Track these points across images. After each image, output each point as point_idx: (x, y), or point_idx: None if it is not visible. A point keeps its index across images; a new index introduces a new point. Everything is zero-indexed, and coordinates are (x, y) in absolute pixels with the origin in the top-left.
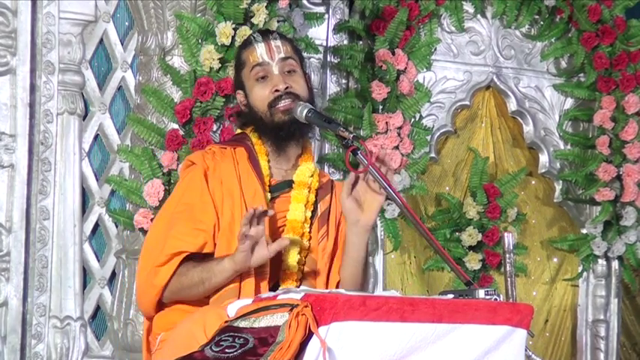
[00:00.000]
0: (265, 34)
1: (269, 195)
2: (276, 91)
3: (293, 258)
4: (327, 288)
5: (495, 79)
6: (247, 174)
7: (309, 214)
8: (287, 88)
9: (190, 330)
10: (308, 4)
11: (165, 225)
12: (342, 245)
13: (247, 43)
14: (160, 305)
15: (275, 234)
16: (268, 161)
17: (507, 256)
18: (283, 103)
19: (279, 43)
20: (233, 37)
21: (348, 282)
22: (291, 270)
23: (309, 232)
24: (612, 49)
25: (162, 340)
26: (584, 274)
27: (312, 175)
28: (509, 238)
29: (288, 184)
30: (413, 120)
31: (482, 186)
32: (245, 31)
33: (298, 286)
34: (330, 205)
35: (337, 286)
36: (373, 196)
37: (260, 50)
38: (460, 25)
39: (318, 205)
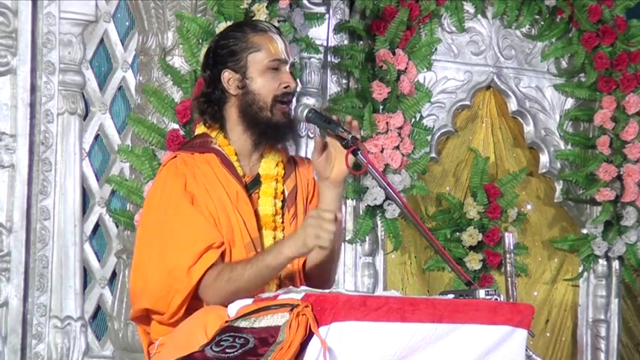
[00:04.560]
0: (278, 30)
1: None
2: (287, 87)
3: None
4: (304, 267)
5: (496, 79)
6: (225, 177)
7: (279, 204)
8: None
9: (191, 330)
10: (308, 4)
11: (163, 242)
12: None
13: (260, 29)
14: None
15: (253, 231)
16: (237, 160)
17: (508, 256)
18: (285, 107)
19: (287, 44)
20: None
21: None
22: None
23: (282, 221)
24: (613, 49)
25: (161, 344)
26: (585, 274)
27: (276, 165)
28: (509, 238)
29: (258, 179)
30: (413, 120)
31: (483, 186)
32: None
33: (279, 279)
34: (295, 182)
35: (304, 265)
36: (341, 159)
37: (280, 45)
38: (460, 25)
39: (285, 188)
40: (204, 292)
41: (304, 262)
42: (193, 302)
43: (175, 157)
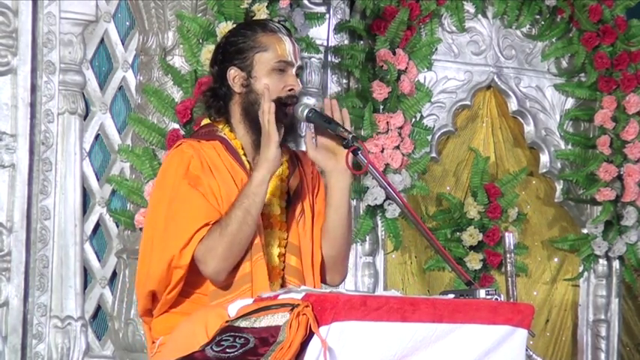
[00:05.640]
0: (289, 31)
1: None
2: (291, 89)
3: (273, 252)
4: (312, 267)
5: (496, 79)
6: (230, 164)
7: (283, 204)
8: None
9: (192, 330)
10: (309, 3)
11: (167, 219)
12: (321, 215)
13: (270, 29)
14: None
15: (257, 230)
16: (244, 154)
17: (508, 255)
18: (288, 109)
19: (297, 46)
20: None
21: (330, 236)
22: (273, 265)
23: (286, 221)
24: (613, 49)
25: (161, 344)
26: (585, 273)
27: (281, 164)
28: (509, 238)
29: None
30: (414, 120)
31: (483, 186)
32: None
33: (282, 279)
34: (300, 179)
35: (322, 266)
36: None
37: (289, 47)
38: (461, 25)
39: (290, 187)
40: (202, 262)
41: (322, 261)
42: (188, 290)
43: (181, 144)
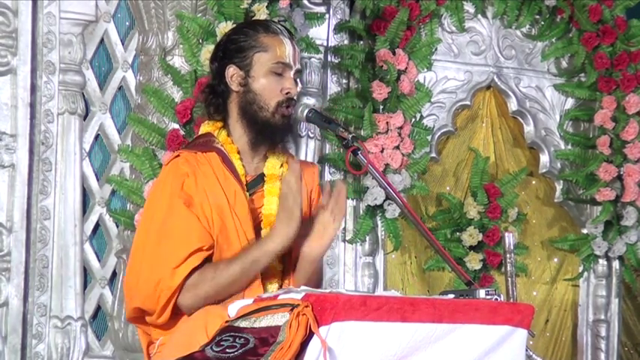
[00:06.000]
0: (291, 34)
1: (247, 193)
2: (288, 93)
3: None
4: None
5: (496, 79)
6: (224, 176)
7: None
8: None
9: (191, 330)
10: (309, 3)
11: (159, 237)
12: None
13: (272, 31)
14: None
15: (249, 233)
16: (240, 159)
17: (508, 256)
18: (288, 111)
19: (297, 50)
20: None
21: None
22: (272, 265)
23: None
24: (613, 49)
25: (161, 344)
26: (585, 273)
27: (281, 166)
28: (509, 238)
29: (262, 178)
30: (413, 120)
31: (483, 186)
32: None
33: (280, 280)
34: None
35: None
36: (326, 225)
37: (289, 50)
38: (461, 25)
39: None
40: (184, 296)
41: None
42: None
43: (178, 156)
